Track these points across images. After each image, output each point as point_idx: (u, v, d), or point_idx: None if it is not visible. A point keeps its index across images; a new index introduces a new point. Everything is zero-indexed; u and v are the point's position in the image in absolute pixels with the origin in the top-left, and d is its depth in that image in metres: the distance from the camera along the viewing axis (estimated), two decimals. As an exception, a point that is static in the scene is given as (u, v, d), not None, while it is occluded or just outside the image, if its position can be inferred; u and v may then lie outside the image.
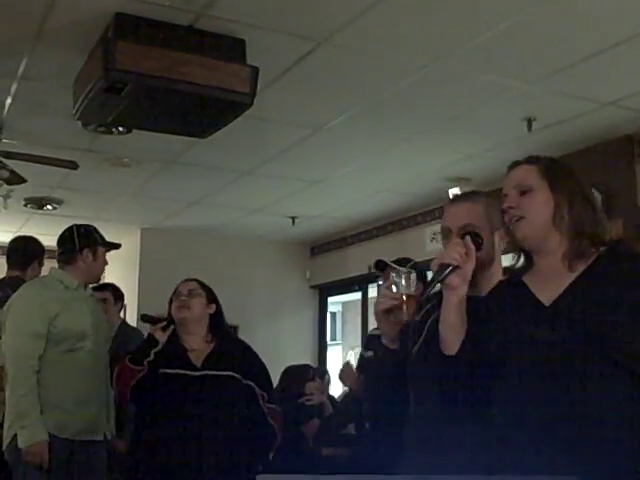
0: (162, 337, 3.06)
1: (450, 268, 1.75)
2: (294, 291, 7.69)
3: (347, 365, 4.18)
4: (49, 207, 6.18)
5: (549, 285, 1.75)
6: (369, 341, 4.15)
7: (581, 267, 1.75)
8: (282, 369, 5.46)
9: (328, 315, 8.15)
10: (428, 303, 1.99)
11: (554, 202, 1.77)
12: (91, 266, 3.43)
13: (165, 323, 3.09)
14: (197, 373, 3.00)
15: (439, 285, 1.80)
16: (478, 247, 1.83)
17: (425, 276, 3.65)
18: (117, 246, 3.74)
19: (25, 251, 4.05)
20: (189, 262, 6.84)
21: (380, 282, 3.82)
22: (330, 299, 7.97)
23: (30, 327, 3.22)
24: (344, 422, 4.85)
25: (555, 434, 1.61)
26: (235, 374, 3.04)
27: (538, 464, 1.61)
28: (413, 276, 1.99)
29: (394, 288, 1.96)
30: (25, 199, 5.98)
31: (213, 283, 3.32)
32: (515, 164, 1.87)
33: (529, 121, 4.08)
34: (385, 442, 2.81)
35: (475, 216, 1.99)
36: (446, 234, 2.05)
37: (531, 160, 1.85)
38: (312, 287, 7.76)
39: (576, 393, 1.62)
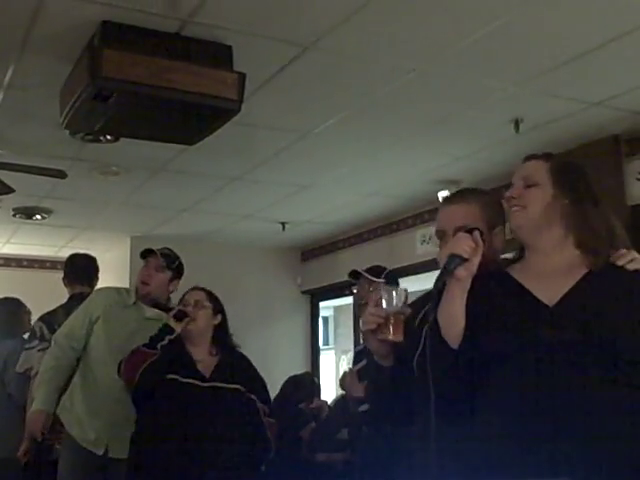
0: (177, 327, 3.06)
1: (459, 260, 1.73)
2: (285, 296, 7.67)
3: (349, 373, 4.17)
4: (38, 217, 6.14)
5: (548, 285, 1.75)
6: (357, 356, 4.15)
7: (581, 271, 1.76)
8: (275, 375, 5.47)
9: (320, 320, 8.14)
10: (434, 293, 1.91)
11: (553, 198, 1.79)
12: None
13: (176, 311, 3.07)
14: (206, 384, 3.01)
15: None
16: (483, 244, 1.80)
17: (398, 284, 3.69)
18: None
19: (92, 268, 4.36)
20: (180, 269, 6.81)
21: (355, 290, 3.85)
22: (322, 304, 7.96)
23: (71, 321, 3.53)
24: (338, 427, 4.85)
25: (557, 434, 1.61)
26: (241, 387, 3.07)
27: (538, 463, 1.61)
28: (403, 293, 1.93)
29: (383, 304, 1.90)
30: (14, 209, 5.95)
31: (203, 290, 3.31)
32: (529, 158, 1.89)
33: (516, 122, 4.08)
34: (385, 447, 2.80)
35: (471, 217, 1.95)
36: (441, 236, 2.02)
37: (544, 156, 1.88)
38: (303, 292, 7.75)
39: (577, 393, 1.62)
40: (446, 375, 1.73)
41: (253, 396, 3.10)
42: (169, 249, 3.60)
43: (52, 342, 3.52)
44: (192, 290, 3.23)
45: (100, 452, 3.30)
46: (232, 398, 3.04)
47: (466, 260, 1.73)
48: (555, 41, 3.21)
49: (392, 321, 1.87)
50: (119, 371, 3.06)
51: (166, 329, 3.06)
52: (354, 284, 3.80)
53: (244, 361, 3.29)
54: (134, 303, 3.47)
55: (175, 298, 3.45)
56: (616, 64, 3.42)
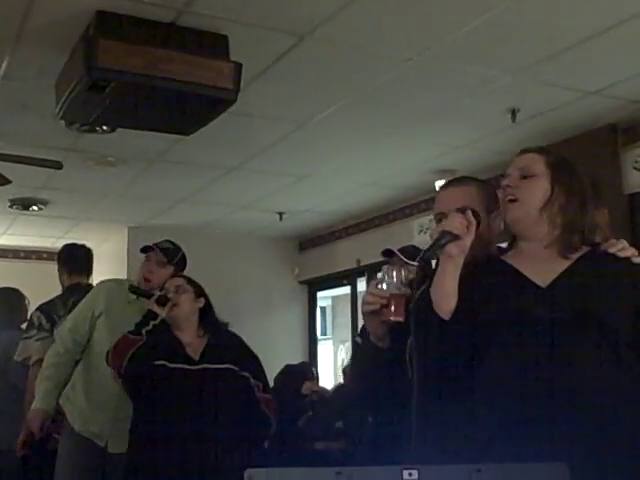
0: (161, 312, 3.06)
1: (450, 236, 1.74)
2: (283, 287, 7.68)
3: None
4: (35, 208, 6.14)
5: (540, 268, 1.78)
6: (364, 330, 4.11)
7: (573, 256, 1.80)
8: (273, 365, 5.48)
9: (318, 310, 8.16)
10: (424, 266, 1.92)
11: (550, 192, 1.81)
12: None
13: (158, 296, 3.09)
14: (196, 367, 3.01)
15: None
16: (477, 224, 1.81)
17: (431, 266, 3.62)
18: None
19: (90, 259, 4.36)
20: (177, 260, 6.81)
21: (383, 270, 3.74)
22: (319, 294, 7.98)
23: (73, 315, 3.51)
24: (336, 416, 4.87)
25: (555, 415, 1.62)
26: (232, 366, 3.07)
27: (537, 445, 1.62)
28: (404, 274, 1.94)
29: (383, 286, 1.90)
30: (10, 200, 5.95)
31: (201, 280, 3.32)
32: (524, 151, 1.91)
33: (513, 112, 4.08)
34: (387, 437, 2.80)
35: (470, 198, 1.97)
36: (440, 219, 2.02)
37: (541, 150, 1.90)
38: (301, 282, 7.76)
39: (576, 375, 1.64)
40: (433, 345, 1.75)
41: (246, 374, 3.08)
42: (171, 242, 3.58)
43: (56, 338, 3.52)
44: (171, 278, 3.25)
45: (102, 444, 3.32)
46: (224, 378, 3.02)
47: (457, 237, 1.74)
48: (552, 30, 3.20)
49: (393, 301, 1.87)
50: (107, 360, 3.05)
51: (150, 315, 3.06)
52: (387, 262, 3.70)
53: (235, 339, 3.27)
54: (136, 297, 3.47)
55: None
56: (613, 53, 3.42)
